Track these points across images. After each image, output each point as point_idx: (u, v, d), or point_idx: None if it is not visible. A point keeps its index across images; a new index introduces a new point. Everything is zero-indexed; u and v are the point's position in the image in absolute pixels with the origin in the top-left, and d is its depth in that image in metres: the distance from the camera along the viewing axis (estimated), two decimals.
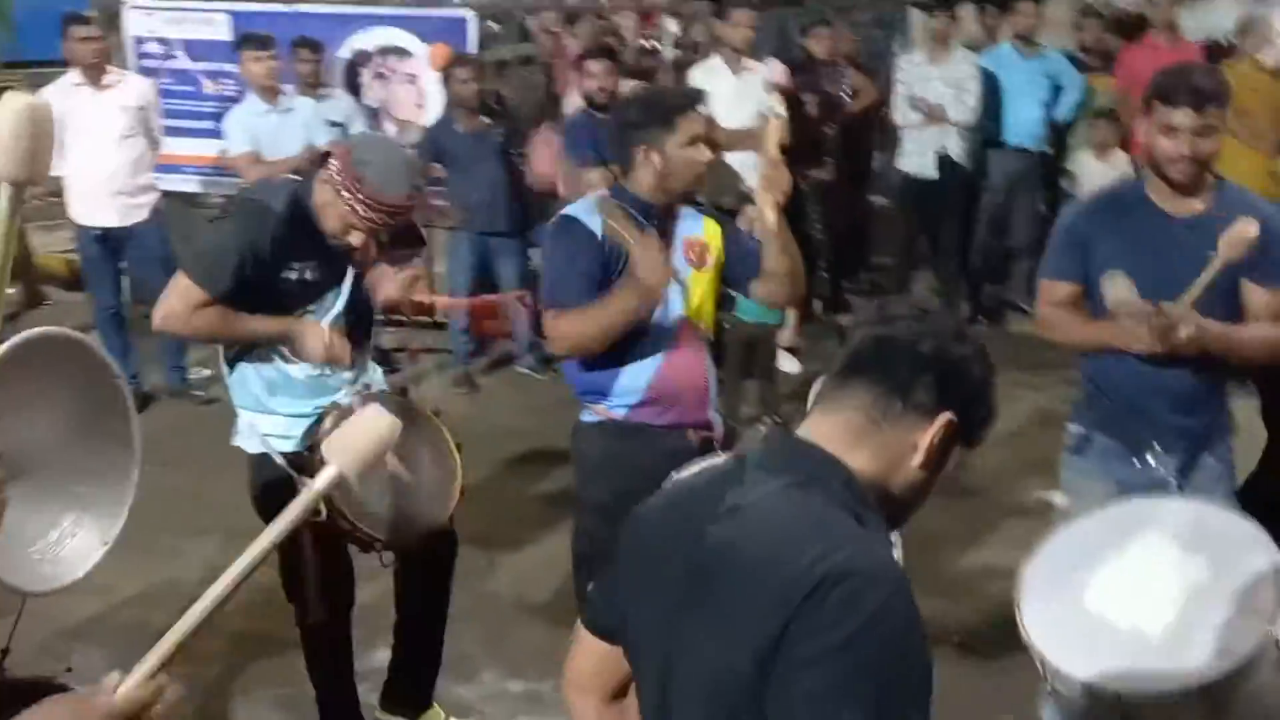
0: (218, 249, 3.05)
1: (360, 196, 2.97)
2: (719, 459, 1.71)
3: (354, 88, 7.32)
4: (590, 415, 3.18)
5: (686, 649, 1.50)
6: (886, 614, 1.37)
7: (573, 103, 6.91)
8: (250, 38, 6.43)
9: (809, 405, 1.64)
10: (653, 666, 1.57)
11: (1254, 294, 3.02)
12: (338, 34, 7.24)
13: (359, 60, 7.38)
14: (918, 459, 1.52)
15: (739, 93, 6.37)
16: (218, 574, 1.54)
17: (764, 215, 3.08)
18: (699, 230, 3.21)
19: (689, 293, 3.14)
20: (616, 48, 6.59)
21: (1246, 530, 2.53)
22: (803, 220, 6.92)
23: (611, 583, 1.69)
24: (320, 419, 3.14)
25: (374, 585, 3.56)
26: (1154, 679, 2.27)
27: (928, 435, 1.51)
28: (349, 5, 7.71)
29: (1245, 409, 3.83)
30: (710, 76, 6.30)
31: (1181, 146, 2.91)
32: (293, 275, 3.06)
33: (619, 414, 3.13)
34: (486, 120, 6.54)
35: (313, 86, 6.57)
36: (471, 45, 7.26)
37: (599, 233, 3.04)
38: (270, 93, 6.33)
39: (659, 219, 3.11)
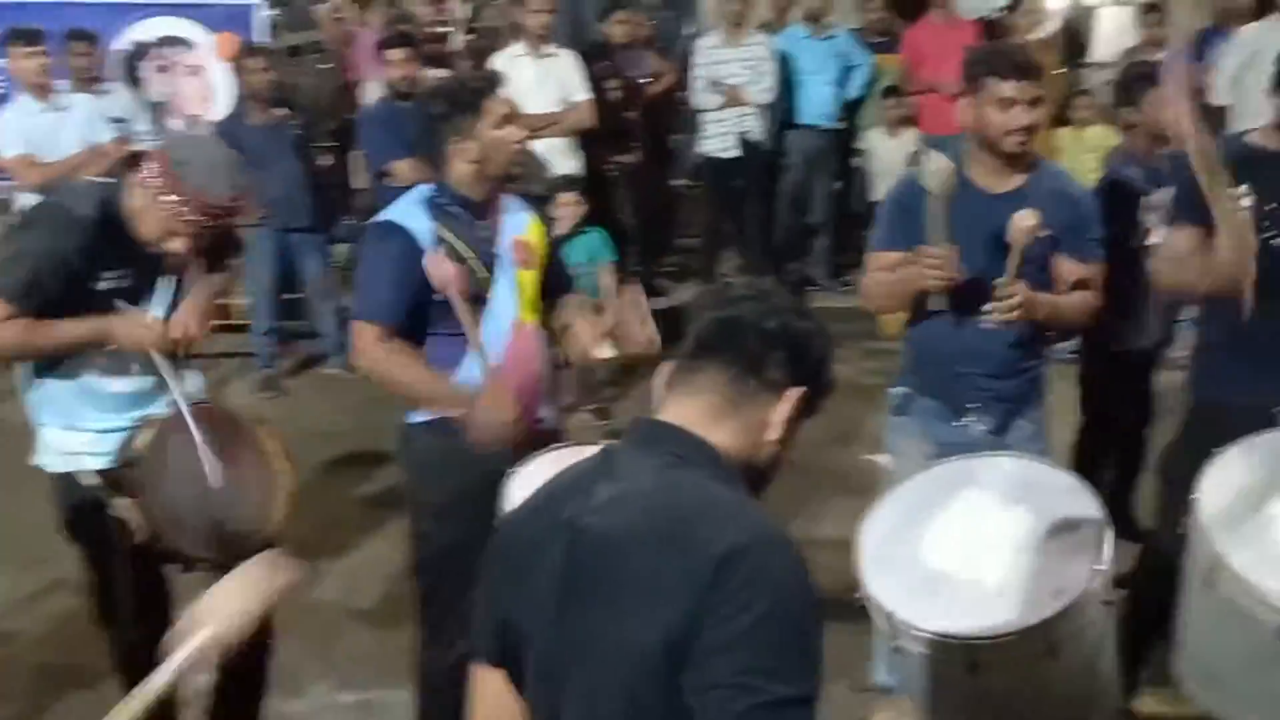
0: (21, 260, 2.85)
1: (182, 199, 2.83)
2: (583, 454, 1.69)
3: (134, 82, 6.95)
4: (419, 415, 3.10)
5: (579, 645, 1.49)
6: (787, 581, 1.42)
7: (371, 92, 6.74)
8: (18, 32, 6.00)
9: (654, 392, 1.66)
10: (539, 672, 1.55)
11: (1063, 266, 3.21)
12: (114, 25, 6.87)
13: (138, 53, 7.01)
14: (773, 433, 1.58)
15: (541, 78, 6.34)
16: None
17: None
18: (524, 230, 3.19)
19: (521, 292, 3.11)
20: (414, 34, 6.43)
21: (1063, 480, 2.69)
22: (612, 206, 6.95)
23: (487, 604, 1.64)
24: (134, 432, 2.98)
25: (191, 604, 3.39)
26: (995, 624, 2.39)
27: (782, 410, 1.57)
28: None
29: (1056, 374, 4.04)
30: (512, 63, 6.24)
31: (1020, 117, 3.07)
32: (104, 285, 2.90)
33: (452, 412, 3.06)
34: (281, 112, 6.31)
35: (89, 82, 6.20)
36: (259, 33, 7.00)
37: (421, 240, 2.98)
38: (43, 90, 5.95)
39: (483, 213, 3.09)
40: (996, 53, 3.16)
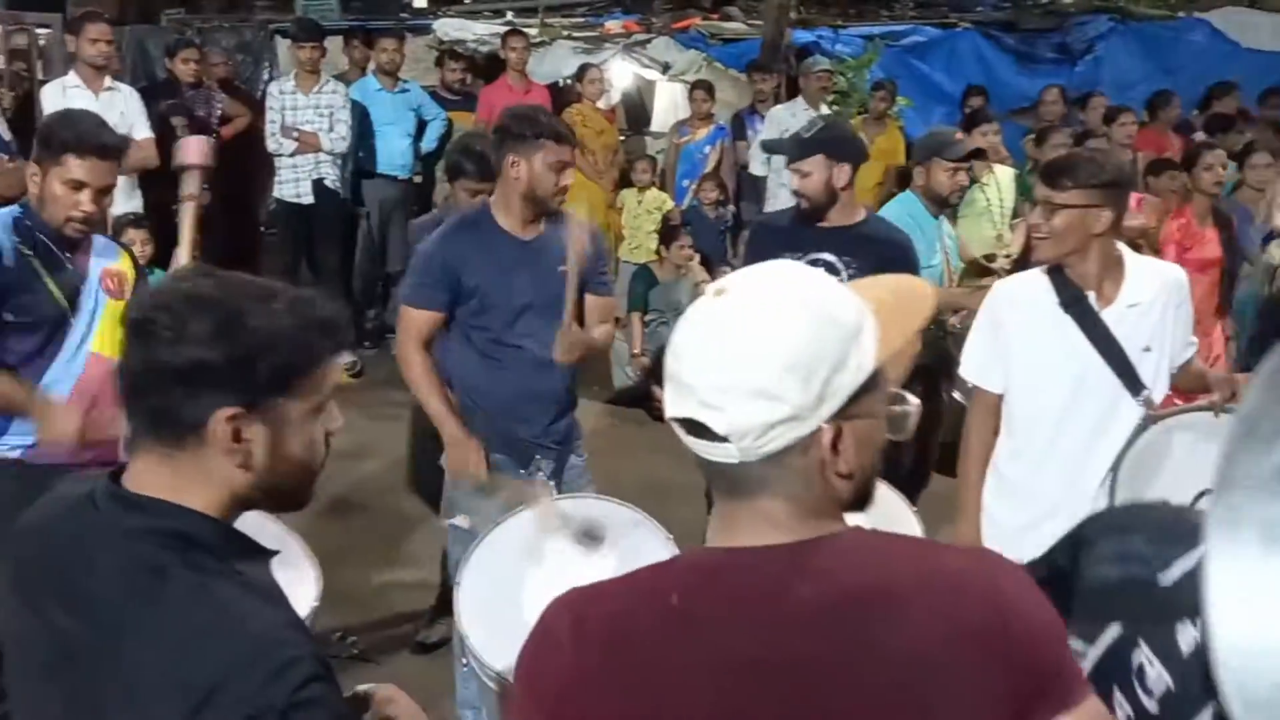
0: None
1: None
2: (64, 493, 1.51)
3: None
4: None
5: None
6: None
7: None
8: None
9: None
10: None
11: (590, 303, 3.49)
12: None
13: None
14: (231, 462, 1.37)
15: (99, 113, 5.98)
16: None
17: None
18: (116, 260, 3.14)
19: (103, 326, 3.02)
20: None
21: (629, 514, 2.90)
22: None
23: None
24: None
25: None
26: None
27: (218, 439, 1.35)
28: None
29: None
30: (64, 94, 5.88)
31: (564, 179, 3.28)
32: None
33: (14, 454, 2.95)
34: None
35: None
36: None
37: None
38: None
39: (67, 245, 3.00)
40: (529, 117, 3.35)
